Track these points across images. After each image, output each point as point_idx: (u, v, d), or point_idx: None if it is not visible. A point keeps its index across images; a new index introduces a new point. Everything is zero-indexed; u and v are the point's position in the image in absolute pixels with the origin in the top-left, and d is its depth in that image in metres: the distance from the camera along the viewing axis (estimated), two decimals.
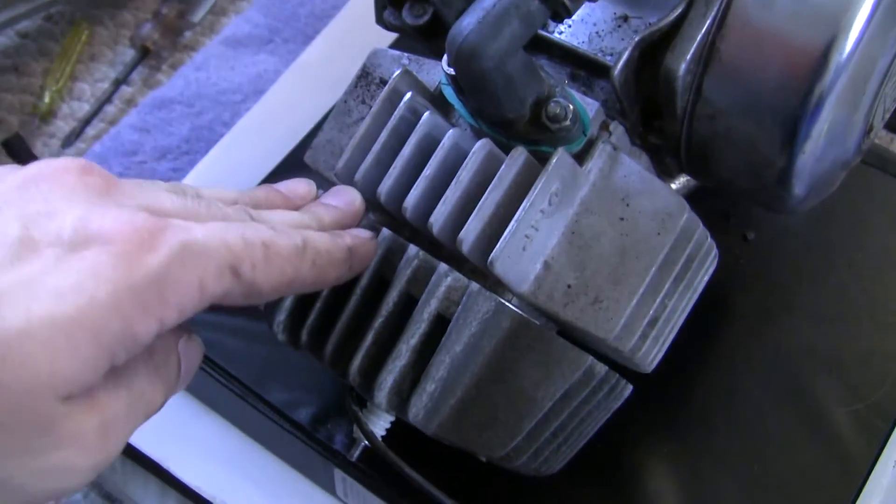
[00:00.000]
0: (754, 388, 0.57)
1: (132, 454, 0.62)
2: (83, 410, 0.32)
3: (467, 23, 0.41)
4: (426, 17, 0.51)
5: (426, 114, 0.45)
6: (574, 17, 0.49)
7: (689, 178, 0.55)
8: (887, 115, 0.51)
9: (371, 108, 0.47)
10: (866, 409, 0.56)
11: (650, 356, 0.48)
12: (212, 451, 0.61)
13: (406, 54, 0.51)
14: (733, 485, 0.54)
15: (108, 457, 0.34)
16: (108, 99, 0.81)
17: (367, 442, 0.46)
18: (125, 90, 0.82)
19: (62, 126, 0.80)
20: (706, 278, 0.50)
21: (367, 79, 0.51)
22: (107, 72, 0.83)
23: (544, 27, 0.48)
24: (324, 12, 0.80)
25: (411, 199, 0.44)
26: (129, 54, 0.83)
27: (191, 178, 0.72)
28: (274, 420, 0.57)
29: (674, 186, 0.59)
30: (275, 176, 0.67)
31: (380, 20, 0.55)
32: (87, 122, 0.80)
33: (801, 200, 0.48)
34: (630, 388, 0.49)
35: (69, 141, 0.79)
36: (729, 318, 0.60)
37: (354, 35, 0.59)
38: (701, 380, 0.58)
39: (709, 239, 0.48)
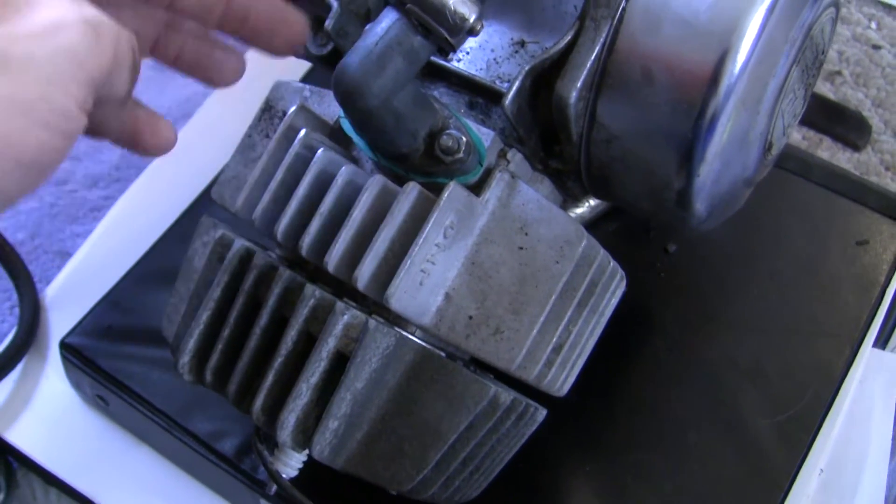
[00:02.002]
0: (676, 402, 0.58)
1: (62, 488, 0.62)
2: None
3: (350, 61, 0.41)
4: (329, 48, 0.51)
5: (320, 150, 0.45)
6: (472, 44, 0.49)
7: None
8: (790, 130, 0.51)
9: None
10: (788, 421, 0.57)
11: (558, 382, 0.48)
12: (142, 482, 0.61)
13: (308, 86, 0.50)
14: (656, 500, 0.55)
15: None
16: None
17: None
18: None
19: None
20: (614, 301, 0.50)
21: (269, 112, 0.50)
22: None
23: (442, 56, 0.48)
24: None
25: (307, 238, 0.44)
26: None
27: (121, 205, 0.71)
28: (199, 451, 0.57)
29: (590, 204, 0.59)
30: (201, 201, 0.67)
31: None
32: None
33: (704, 220, 0.48)
34: (544, 412, 0.49)
35: None
36: (651, 333, 0.60)
37: (277, 58, 0.59)
38: (623, 396, 0.58)
39: (611, 263, 0.48)
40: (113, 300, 0.63)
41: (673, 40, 0.43)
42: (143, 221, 0.67)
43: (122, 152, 0.76)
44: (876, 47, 0.84)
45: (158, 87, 0.79)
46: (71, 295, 0.67)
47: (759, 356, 0.59)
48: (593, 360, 0.51)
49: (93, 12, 0.37)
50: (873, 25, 0.85)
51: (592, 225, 0.62)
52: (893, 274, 0.61)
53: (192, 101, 0.77)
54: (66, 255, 0.71)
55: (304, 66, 0.68)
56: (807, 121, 0.80)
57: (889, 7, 0.85)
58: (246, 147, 0.50)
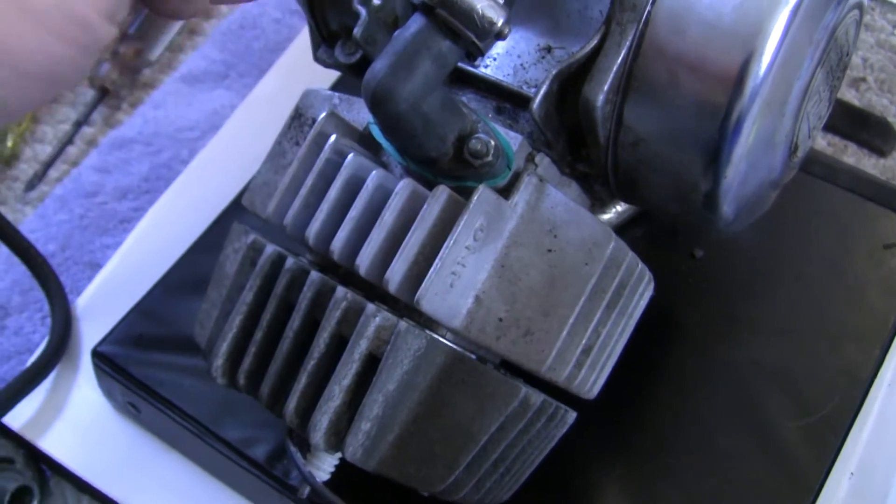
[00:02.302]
0: (705, 406, 0.58)
1: (95, 495, 0.62)
2: None
3: (380, 67, 0.41)
4: (357, 56, 0.52)
5: (350, 155, 0.45)
6: (499, 50, 0.50)
7: None
8: (815, 133, 0.51)
9: None
10: (816, 423, 0.57)
11: (588, 384, 0.48)
12: (174, 488, 0.62)
13: (337, 94, 0.51)
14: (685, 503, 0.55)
15: None
16: (69, 140, 0.81)
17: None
18: (86, 131, 0.82)
19: (25, 169, 0.81)
20: (642, 303, 0.50)
21: (299, 120, 0.51)
22: (68, 113, 0.83)
23: (469, 62, 0.49)
24: (277, 45, 0.81)
25: (338, 242, 0.44)
26: (89, 94, 0.83)
27: (150, 217, 0.72)
28: (230, 458, 0.58)
29: (617, 210, 0.59)
30: (230, 211, 0.68)
31: (316, 57, 0.56)
32: (49, 164, 0.80)
33: (731, 222, 0.48)
34: (574, 414, 0.50)
35: (32, 184, 0.79)
36: (678, 337, 0.60)
37: (304, 68, 0.60)
38: (652, 400, 0.58)
39: (640, 265, 0.48)
40: (144, 309, 0.64)
41: (698, 43, 0.43)
42: (172, 232, 0.68)
43: (152, 163, 0.77)
44: None
45: (186, 100, 0.80)
46: (102, 305, 0.68)
47: (787, 359, 0.59)
48: (622, 363, 0.51)
49: None
50: None
51: (620, 230, 0.62)
52: None
53: (220, 114, 0.78)
54: (96, 266, 0.72)
55: (331, 76, 0.68)
56: (832, 127, 0.81)
57: None
58: (276, 154, 0.51)
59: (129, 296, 0.65)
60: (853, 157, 0.79)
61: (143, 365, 0.61)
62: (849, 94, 0.82)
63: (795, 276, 0.62)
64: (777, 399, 0.58)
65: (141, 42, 0.83)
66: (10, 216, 0.71)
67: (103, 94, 0.82)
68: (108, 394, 0.64)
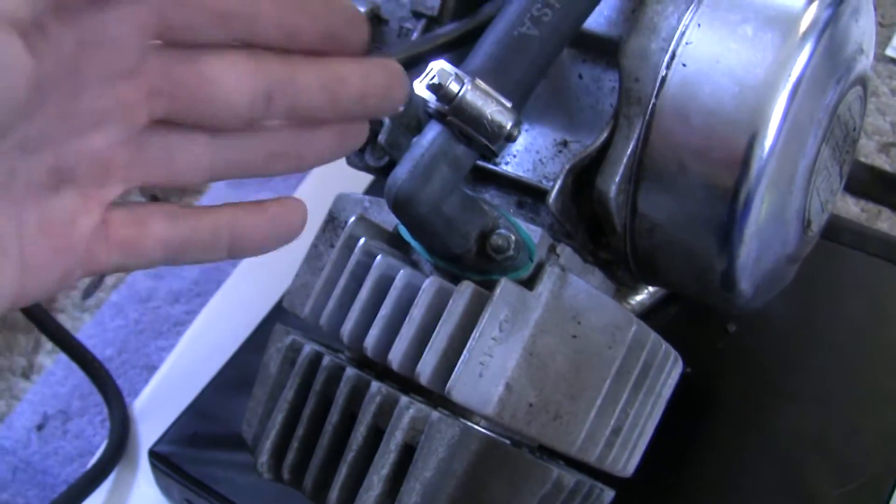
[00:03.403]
0: (746, 479, 0.58)
1: None
2: None
3: (400, 173, 0.44)
4: (385, 160, 0.55)
5: (379, 257, 0.48)
6: (518, 147, 0.52)
7: None
8: (829, 206, 0.53)
9: None
10: (858, 490, 0.57)
11: (620, 462, 0.50)
12: None
13: (368, 197, 0.54)
14: None
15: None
16: None
17: None
18: None
19: (83, 279, 0.85)
20: (670, 381, 0.52)
21: (333, 223, 0.54)
22: None
23: (490, 161, 0.51)
24: None
25: (371, 339, 0.47)
26: (140, 202, 0.87)
27: (201, 320, 0.75)
28: None
29: (649, 291, 0.61)
30: (276, 312, 0.71)
31: (348, 161, 0.59)
32: (104, 272, 0.84)
33: (750, 299, 0.49)
34: (611, 493, 0.51)
35: (89, 292, 0.83)
36: (715, 410, 0.61)
37: (342, 170, 0.63)
38: (692, 474, 0.59)
39: (664, 345, 0.50)
40: (197, 409, 0.66)
41: (702, 131, 0.45)
42: (223, 333, 0.71)
43: (202, 268, 0.80)
44: None
45: None
46: (158, 406, 0.71)
47: (826, 428, 0.60)
48: (660, 439, 0.53)
49: None
50: None
51: (654, 309, 0.64)
52: None
53: None
54: (152, 369, 0.75)
55: (366, 179, 0.71)
56: (864, 193, 0.82)
57: None
58: (313, 257, 0.54)
59: (184, 396, 0.68)
60: (887, 221, 0.80)
61: (198, 463, 0.64)
62: (879, 160, 0.83)
63: (829, 344, 0.63)
64: (818, 468, 0.58)
65: None
66: (68, 323, 0.75)
67: (154, 201, 0.86)
68: (167, 492, 0.66)
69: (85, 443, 0.73)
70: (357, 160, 0.58)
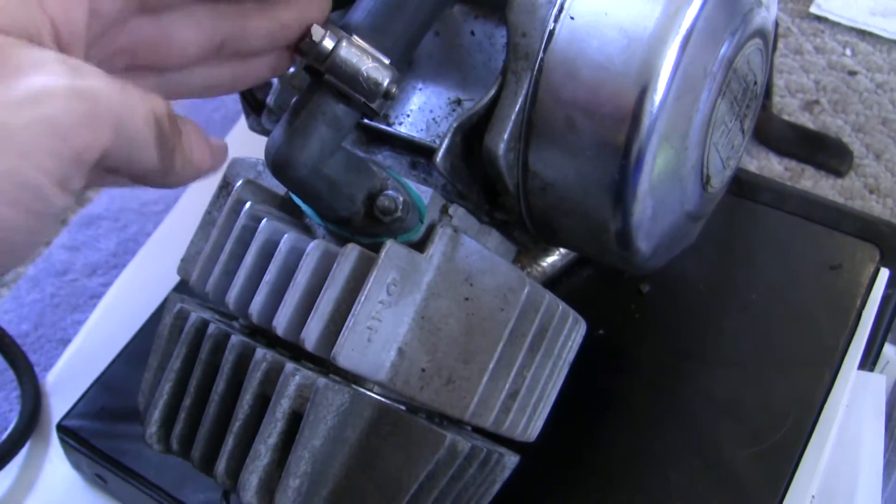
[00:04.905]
0: (655, 441, 0.58)
1: None
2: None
3: (276, 135, 0.43)
4: None
5: (264, 220, 0.46)
6: (413, 107, 0.51)
7: None
8: (732, 162, 0.52)
9: None
10: (768, 451, 0.57)
11: (519, 427, 0.49)
12: None
13: (262, 161, 0.52)
14: None
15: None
16: None
17: None
18: None
19: None
20: (572, 345, 0.51)
21: (227, 189, 0.52)
22: None
23: (383, 121, 0.50)
24: (237, 114, 0.83)
25: (255, 305, 0.45)
26: None
27: (113, 292, 0.74)
28: None
29: (561, 252, 0.60)
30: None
31: (249, 126, 0.58)
32: None
33: (649, 257, 0.49)
34: (515, 458, 0.50)
35: None
36: (627, 373, 0.61)
37: (257, 139, 0.61)
38: (601, 438, 0.58)
39: (561, 306, 0.49)
40: (104, 382, 0.65)
41: (591, 86, 0.44)
42: (134, 305, 0.69)
43: (119, 238, 0.79)
44: (852, 73, 0.84)
45: None
46: (70, 380, 0.70)
47: (737, 390, 0.59)
48: (570, 403, 0.52)
49: (90, 83, 0.33)
50: (848, 52, 0.86)
51: (566, 272, 0.63)
52: (869, 295, 0.62)
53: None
54: (68, 343, 0.74)
55: None
56: (788, 151, 0.81)
57: (862, 33, 0.86)
58: (206, 224, 0.52)
59: (95, 370, 0.67)
60: (811, 179, 0.80)
61: (106, 436, 0.63)
62: (803, 118, 0.83)
63: (742, 305, 0.62)
64: (728, 430, 0.58)
65: None
66: None
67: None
68: (76, 466, 0.65)
69: (1, 419, 0.72)
70: (255, 124, 0.56)
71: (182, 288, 0.69)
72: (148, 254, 0.75)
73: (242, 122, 0.80)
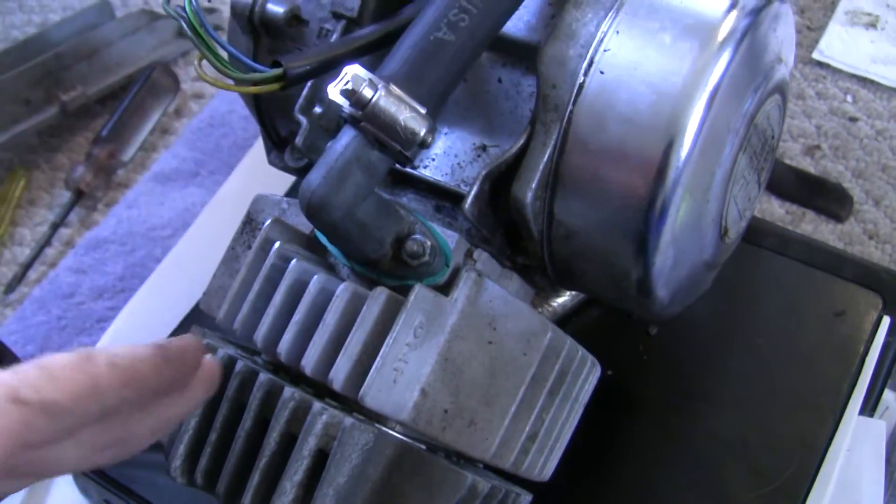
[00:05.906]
0: (663, 480, 0.59)
1: None
2: None
3: (313, 179, 0.43)
4: (304, 161, 0.54)
5: (294, 261, 0.47)
6: (437, 151, 0.52)
7: None
8: (748, 213, 0.53)
9: None
10: (773, 493, 0.58)
11: (536, 468, 0.50)
12: None
13: (286, 199, 0.53)
14: None
15: None
16: (46, 242, 0.84)
17: None
18: (63, 232, 0.85)
19: (5, 272, 0.83)
20: (587, 387, 0.52)
21: (251, 224, 0.53)
22: (46, 215, 0.86)
23: (409, 165, 0.51)
24: (245, 142, 0.83)
25: (284, 344, 0.46)
26: (65, 196, 0.86)
27: (123, 317, 0.74)
28: None
29: (571, 293, 0.61)
30: (198, 309, 0.69)
31: (269, 161, 0.58)
32: (27, 266, 0.82)
33: (666, 305, 0.50)
34: (528, 497, 0.51)
35: (12, 286, 0.81)
36: (636, 414, 0.62)
37: (268, 166, 0.62)
38: (611, 477, 0.59)
39: (580, 351, 0.50)
40: None
41: (619, 138, 0.45)
42: (144, 331, 0.70)
43: (126, 262, 0.79)
44: (853, 119, 0.86)
45: (159, 199, 0.83)
46: None
47: (743, 431, 0.60)
48: (580, 443, 0.53)
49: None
50: (849, 99, 0.87)
51: (575, 312, 0.64)
52: (872, 342, 0.63)
53: (191, 212, 0.81)
54: None
55: (290, 179, 0.70)
56: (789, 195, 0.83)
57: (863, 80, 0.88)
58: (230, 259, 0.53)
59: None
60: (811, 223, 0.81)
61: (116, 463, 0.63)
62: (804, 162, 0.84)
63: (748, 348, 0.63)
64: (734, 470, 0.59)
65: (114, 143, 0.86)
66: None
67: (79, 195, 0.85)
68: (85, 492, 0.65)
69: None
70: (277, 160, 0.57)
71: (191, 317, 0.69)
72: (157, 280, 0.75)
73: (253, 152, 0.80)
